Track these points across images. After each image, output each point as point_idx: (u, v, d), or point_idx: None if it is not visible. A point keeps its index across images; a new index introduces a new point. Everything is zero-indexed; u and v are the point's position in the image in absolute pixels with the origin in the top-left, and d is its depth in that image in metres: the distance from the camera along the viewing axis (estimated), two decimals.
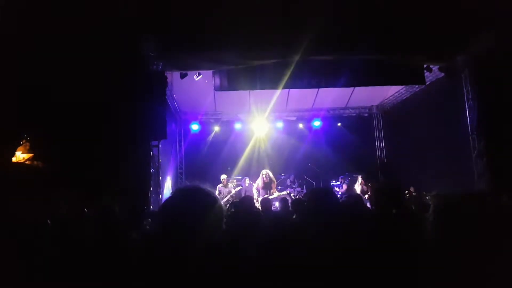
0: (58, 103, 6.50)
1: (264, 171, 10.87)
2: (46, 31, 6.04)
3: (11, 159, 6.79)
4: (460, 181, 8.98)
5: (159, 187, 9.02)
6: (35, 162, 6.89)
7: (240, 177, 12.18)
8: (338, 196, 10.66)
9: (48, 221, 4.08)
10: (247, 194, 10.40)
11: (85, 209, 4.99)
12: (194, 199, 1.32)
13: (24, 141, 7.09)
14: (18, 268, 2.72)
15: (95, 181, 6.37)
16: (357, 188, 11.18)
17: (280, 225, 3.38)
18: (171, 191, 10.80)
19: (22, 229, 3.97)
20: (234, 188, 11.05)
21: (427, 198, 8.53)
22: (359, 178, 11.35)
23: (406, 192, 9.58)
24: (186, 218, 1.26)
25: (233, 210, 5.47)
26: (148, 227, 4.09)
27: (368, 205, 10.30)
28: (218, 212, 1.33)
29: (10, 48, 5.98)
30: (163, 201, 1.41)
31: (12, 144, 6.89)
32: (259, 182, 10.88)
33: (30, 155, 7.06)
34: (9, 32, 5.83)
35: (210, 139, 13.50)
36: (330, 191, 2.55)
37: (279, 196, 10.22)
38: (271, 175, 10.81)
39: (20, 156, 7.05)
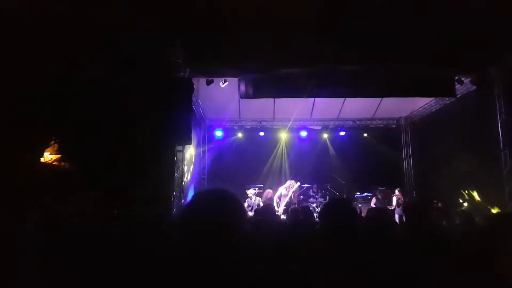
0: (86, 107, 6.66)
1: (290, 182, 10.94)
2: (77, 34, 6.20)
3: (40, 160, 7.00)
4: (490, 197, 8.66)
5: (183, 192, 9.08)
6: (62, 163, 7.07)
7: (262, 185, 12.16)
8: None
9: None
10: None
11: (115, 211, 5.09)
12: (216, 203, 1.29)
13: (53, 142, 7.30)
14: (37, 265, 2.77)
15: (120, 184, 6.48)
16: (394, 201, 10.99)
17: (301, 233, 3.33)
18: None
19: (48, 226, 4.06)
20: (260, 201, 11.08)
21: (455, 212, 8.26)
22: (396, 191, 11.13)
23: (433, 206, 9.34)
24: (209, 223, 1.23)
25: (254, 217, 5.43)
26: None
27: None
28: (241, 214, 1.30)
29: (43, 53, 6.17)
30: (183, 206, 1.39)
31: (41, 145, 7.10)
32: (282, 191, 10.85)
33: (58, 156, 7.25)
34: (42, 37, 6.02)
35: (231, 141, 13.51)
36: (348, 203, 2.47)
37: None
38: (295, 186, 10.91)
39: (48, 157, 7.26)
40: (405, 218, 2.93)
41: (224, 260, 1.19)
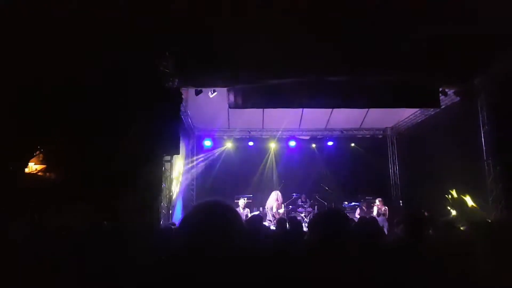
0: (72, 117, 6.59)
1: (275, 193, 11.05)
2: (63, 46, 6.13)
3: (25, 170, 6.87)
4: (476, 206, 8.82)
5: (171, 202, 9.03)
6: (47, 174, 6.96)
7: (251, 195, 12.18)
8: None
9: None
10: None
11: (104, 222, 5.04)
12: (214, 214, 1.30)
13: (38, 152, 7.19)
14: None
15: (107, 194, 6.41)
16: (374, 210, 11.11)
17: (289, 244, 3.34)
18: (181, 207, 10.80)
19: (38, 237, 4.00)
20: (251, 212, 11.11)
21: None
22: (377, 201, 11.23)
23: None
24: (209, 234, 1.24)
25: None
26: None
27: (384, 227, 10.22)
28: (238, 225, 1.31)
29: (27, 63, 6.08)
30: (182, 218, 1.39)
31: (26, 155, 6.98)
32: (273, 204, 10.95)
33: (43, 166, 7.14)
34: (28, 47, 5.95)
35: (220, 151, 13.49)
36: (343, 214, 2.51)
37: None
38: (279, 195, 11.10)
39: (33, 167, 7.14)
40: (405, 226, 2.98)
41: (225, 263, 1.20)
